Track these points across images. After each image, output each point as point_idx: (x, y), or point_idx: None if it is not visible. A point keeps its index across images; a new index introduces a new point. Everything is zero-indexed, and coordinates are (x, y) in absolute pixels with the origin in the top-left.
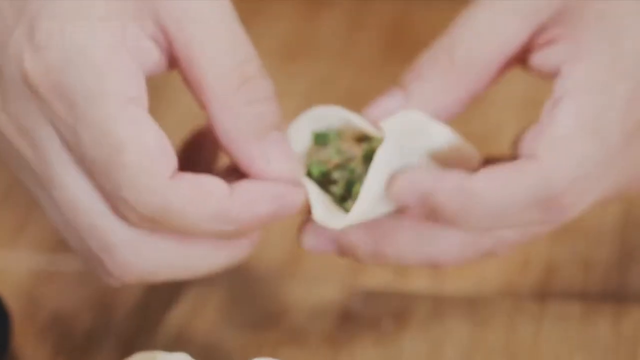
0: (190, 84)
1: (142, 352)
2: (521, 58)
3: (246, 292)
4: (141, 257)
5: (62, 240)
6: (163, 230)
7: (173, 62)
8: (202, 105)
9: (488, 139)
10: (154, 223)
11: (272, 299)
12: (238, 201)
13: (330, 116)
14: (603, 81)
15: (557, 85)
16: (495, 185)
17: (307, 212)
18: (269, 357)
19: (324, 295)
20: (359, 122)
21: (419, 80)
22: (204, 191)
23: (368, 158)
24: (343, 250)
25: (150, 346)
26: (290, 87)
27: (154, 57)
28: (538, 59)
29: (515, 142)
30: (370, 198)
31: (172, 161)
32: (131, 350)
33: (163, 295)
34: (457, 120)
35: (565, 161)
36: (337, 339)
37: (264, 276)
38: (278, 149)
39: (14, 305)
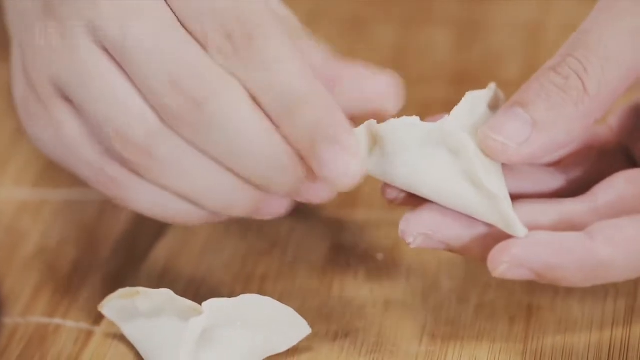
0: None
1: (126, 288)
2: None
3: (234, 225)
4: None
5: (46, 173)
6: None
7: None
8: None
9: (490, 67)
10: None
11: (260, 232)
12: None
13: None
14: None
15: None
16: (622, 253)
17: None
18: (257, 291)
19: (315, 228)
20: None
21: (549, 109)
22: None
23: None
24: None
25: (135, 281)
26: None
27: None
28: None
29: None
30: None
31: None
32: (117, 285)
33: (149, 230)
34: (458, 47)
35: None
36: (328, 273)
37: None
38: None
39: None
